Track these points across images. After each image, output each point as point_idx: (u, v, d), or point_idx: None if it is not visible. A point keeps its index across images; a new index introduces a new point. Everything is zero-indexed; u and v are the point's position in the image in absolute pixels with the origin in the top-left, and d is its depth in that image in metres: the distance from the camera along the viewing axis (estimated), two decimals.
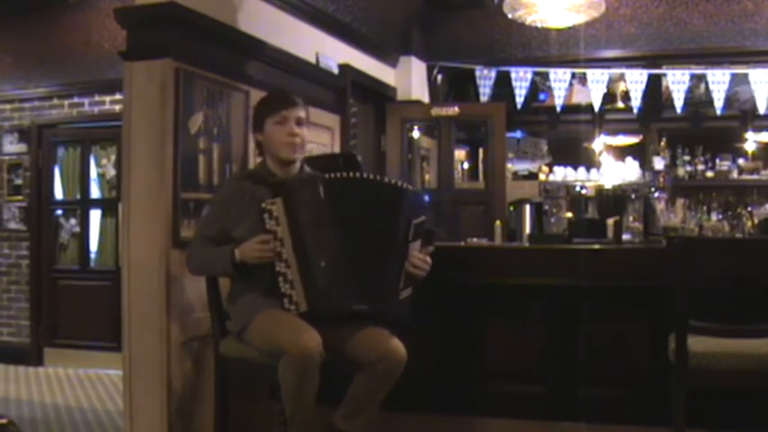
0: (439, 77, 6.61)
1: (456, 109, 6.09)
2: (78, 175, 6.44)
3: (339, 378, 2.66)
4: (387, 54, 5.90)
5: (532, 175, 6.89)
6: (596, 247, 3.62)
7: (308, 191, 2.69)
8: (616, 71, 6.33)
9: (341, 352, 2.66)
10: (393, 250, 2.69)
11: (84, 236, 6.41)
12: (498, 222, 4.84)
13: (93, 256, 6.47)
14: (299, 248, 2.64)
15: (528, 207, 5.81)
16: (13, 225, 6.55)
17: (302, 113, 2.90)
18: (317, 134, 4.58)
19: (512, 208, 5.86)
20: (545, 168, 6.85)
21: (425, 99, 6.42)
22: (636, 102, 6.21)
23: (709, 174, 6.78)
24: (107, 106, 6.22)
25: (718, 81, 6.03)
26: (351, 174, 2.75)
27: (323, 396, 2.59)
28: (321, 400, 2.60)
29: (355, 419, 2.70)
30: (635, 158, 6.64)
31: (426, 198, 2.83)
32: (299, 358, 2.50)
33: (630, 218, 6.05)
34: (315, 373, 2.52)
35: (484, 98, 6.41)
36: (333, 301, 2.65)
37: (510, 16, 4.50)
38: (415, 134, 6.34)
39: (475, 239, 4.25)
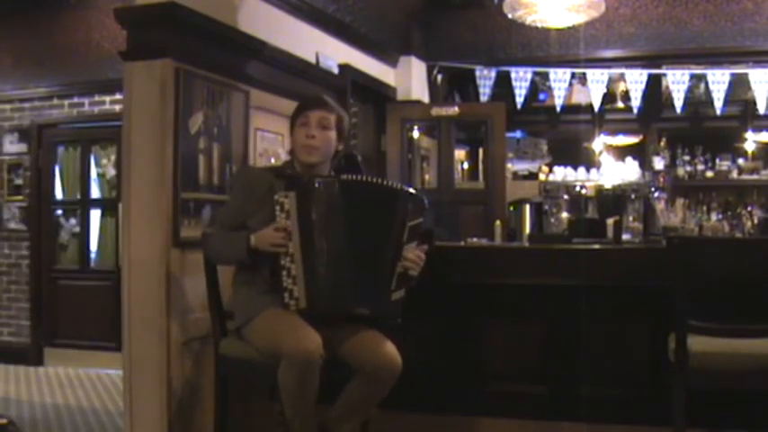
0: (439, 77, 6.61)
1: (456, 109, 6.09)
2: (78, 175, 6.42)
3: (338, 378, 2.66)
4: (387, 54, 5.90)
5: (532, 175, 6.89)
6: (596, 247, 3.62)
7: (322, 189, 2.69)
8: (616, 71, 6.33)
9: (336, 354, 2.66)
10: (388, 252, 2.70)
11: (84, 236, 6.40)
12: (498, 222, 4.84)
13: (93, 256, 6.45)
14: (305, 244, 2.64)
15: (528, 207, 5.83)
16: (13, 225, 6.55)
17: (328, 115, 2.84)
18: None
19: (512, 208, 5.87)
20: (545, 168, 6.86)
21: (425, 99, 6.41)
22: (636, 102, 6.21)
23: (709, 174, 6.78)
24: (107, 106, 6.20)
25: (718, 81, 6.03)
26: (363, 177, 2.78)
27: (321, 394, 2.59)
28: (319, 398, 2.59)
29: (346, 423, 2.71)
30: (635, 158, 6.64)
31: (425, 199, 2.83)
32: (299, 362, 2.49)
33: (630, 218, 6.06)
34: (315, 375, 2.52)
35: (484, 98, 6.41)
36: (333, 300, 2.66)
37: (510, 16, 4.51)
38: (415, 134, 6.33)
39: (475, 239, 4.24)
